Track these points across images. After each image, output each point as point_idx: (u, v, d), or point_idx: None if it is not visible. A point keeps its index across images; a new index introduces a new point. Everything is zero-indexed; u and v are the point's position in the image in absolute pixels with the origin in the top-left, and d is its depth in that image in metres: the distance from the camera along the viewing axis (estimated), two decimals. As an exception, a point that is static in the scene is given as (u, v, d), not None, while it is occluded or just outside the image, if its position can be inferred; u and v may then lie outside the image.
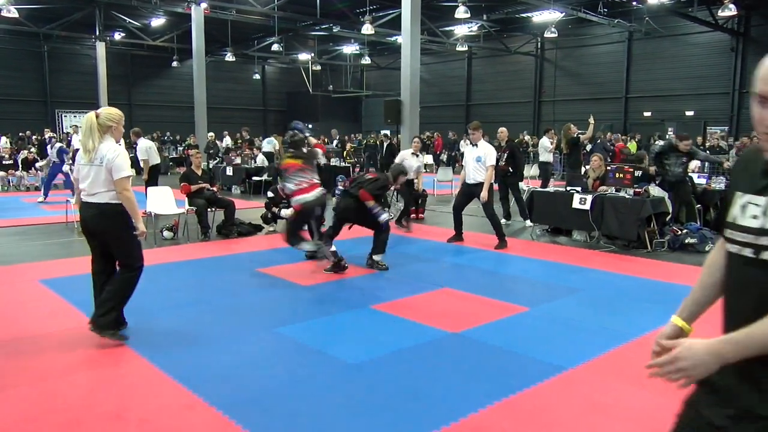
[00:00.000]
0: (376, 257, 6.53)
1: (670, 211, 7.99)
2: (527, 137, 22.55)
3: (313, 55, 29.34)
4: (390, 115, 12.27)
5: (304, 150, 6.37)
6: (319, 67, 30.43)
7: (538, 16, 21.88)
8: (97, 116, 4.10)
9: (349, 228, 6.89)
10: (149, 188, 8.76)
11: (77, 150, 5.09)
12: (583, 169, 10.67)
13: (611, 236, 7.88)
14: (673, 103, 22.86)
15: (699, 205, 8.66)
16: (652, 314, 4.86)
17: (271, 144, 17.01)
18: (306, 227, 6.62)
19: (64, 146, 13.70)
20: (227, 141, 20.49)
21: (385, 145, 16.08)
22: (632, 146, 18.27)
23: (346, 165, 16.41)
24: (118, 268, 4.26)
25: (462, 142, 21.21)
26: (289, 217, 6.59)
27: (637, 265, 6.81)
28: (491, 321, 4.75)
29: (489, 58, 29.04)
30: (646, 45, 23.40)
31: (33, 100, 27.61)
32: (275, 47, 24.99)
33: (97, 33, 23.69)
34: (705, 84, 22.00)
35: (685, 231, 7.77)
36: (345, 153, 20.11)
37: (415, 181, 9.83)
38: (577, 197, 7.96)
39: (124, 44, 26.98)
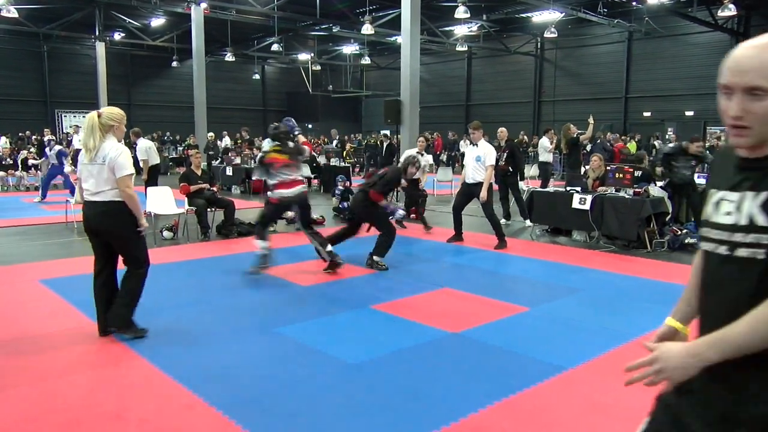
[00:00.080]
0: (376, 258, 6.53)
1: (670, 211, 8.00)
2: (524, 137, 22.55)
3: (312, 55, 29.35)
4: (390, 115, 12.27)
5: (290, 144, 6.29)
6: (318, 67, 30.44)
7: (538, 16, 21.88)
8: (99, 116, 4.14)
9: (368, 230, 6.89)
10: (149, 188, 8.75)
11: (78, 150, 5.11)
12: (582, 169, 10.68)
13: (611, 236, 7.88)
14: (672, 103, 22.87)
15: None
16: (652, 314, 4.86)
17: (271, 144, 16.98)
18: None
19: (64, 148, 13.69)
20: (226, 141, 20.48)
21: (384, 145, 16.11)
22: (632, 146, 18.26)
23: (346, 165, 16.42)
24: (125, 267, 4.29)
25: (462, 142, 21.22)
26: (264, 208, 6.54)
27: (637, 265, 6.81)
28: (491, 321, 4.75)
29: (489, 58, 29.05)
30: (646, 45, 23.41)
31: (33, 100, 27.60)
32: (275, 47, 25.00)
33: (97, 33, 23.68)
34: (705, 84, 21.98)
35: (685, 231, 7.78)
36: (345, 153, 20.13)
37: (421, 179, 9.80)
38: (576, 197, 7.96)
39: (123, 44, 26.97)
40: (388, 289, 5.72)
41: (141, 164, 10.39)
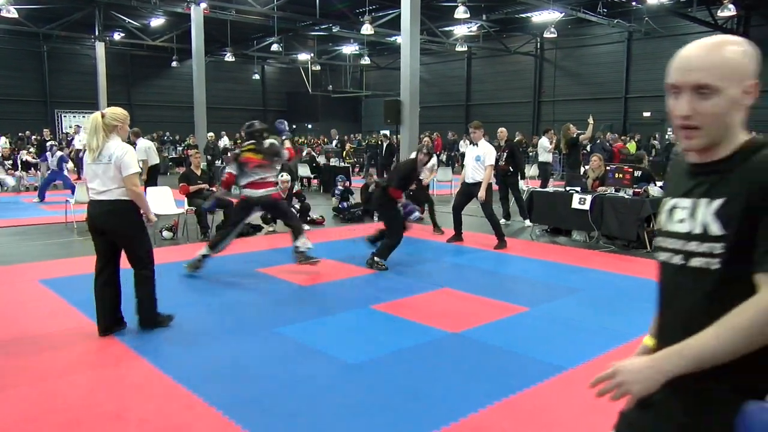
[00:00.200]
0: (377, 258, 6.52)
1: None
2: (521, 137, 22.52)
3: (312, 55, 29.34)
4: (390, 115, 12.25)
5: (265, 144, 6.11)
6: (318, 67, 30.44)
7: (538, 17, 21.88)
8: (102, 116, 4.20)
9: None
10: (148, 188, 8.75)
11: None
12: (582, 169, 10.68)
13: (611, 236, 7.89)
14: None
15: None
16: (652, 314, 4.85)
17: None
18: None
19: (65, 154, 13.67)
20: (225, 141, 20.48)
21: (384, 145, 16.11)
22: (631, 146, 18.26)
23: (346, 165, 16.42)
24: (131, 267, 4.34)
25: (462, 142, 21.22)
26: (234, 205, 6.46)
27: (637, 265, 6.81)
28: (491, 321, 4.75)
29: (489, 58, 29.04)
30: (646, 45, 23.39)
31: (32, 100, 27.59)
32: (275, 47, 24.98)
33: (97, 33, 23.67)
34: (704, 84, 21.98)
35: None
36: (345, 153, 20.12)
37: (427, 179, 9.77)
38: (576, 197, 7.96)
39: (123, 44, 26.97)
40: (388, 289, 5.72)
41: (140, 164, 10.35)
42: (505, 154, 9.58)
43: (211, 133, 18.87)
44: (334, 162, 16.69)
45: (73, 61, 28.48)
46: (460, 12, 16.75)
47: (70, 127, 23.68)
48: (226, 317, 4.84)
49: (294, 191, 9.60)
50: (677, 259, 1.29)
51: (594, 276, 6.34)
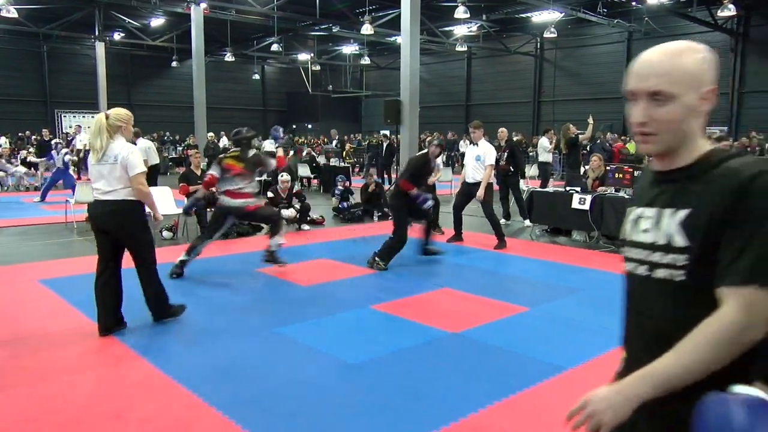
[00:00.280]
0: (378, 258, 6.51)
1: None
2: (519, 136, 22.53)
3: (312, 55, 29.35)
4: (390, 115, 12.25)
5: (249, 153, 6.04)
6: (318, 67, 30.44)
7: (538, 17, 21.89)
8: (106, 117, 4.23)
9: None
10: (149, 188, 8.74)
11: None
12: (582, 169, 10.68)
13: (611, 236, 7.88)
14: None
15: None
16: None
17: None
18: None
19: (69, 152, 13.67)
20: (225, 141, 20.48)
21: (384, 145, 16.11)
22: (631, 146, 18.23)
23: (346, 165, 16.42)
24: (135, 267, 4.37)
25: (462, 141, 21.22)
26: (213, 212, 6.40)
27: (636, 265, 6.79)
28: (491, 321, 4.75)
29: (489, 58, 29.05)
30: (646, 45, 22.36)
31: (32, 100, 27.60)
32: (275, 47, 24.99)
33: (97, 33, 23.67)
34: (704, 84, 21.99)
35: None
36: (344, 153, 20.13)
37: (432, 179, 9.72)
38: (576, 197, 7.96)
39: (123, 44, 26.98)
40: (388, 289, 5.72)
41: (141, 164, 10.36)
42: (505, 154, 9.58)
43: (211, 133, 18.88)
44: (334, 162, 16.69)
45: (73, 61, 28.49)
46: (460, 12, 16.76)
47: (70, 127, 23.66)
48: (226, 317, 4.84)
49: (294, 191, 9.59)
50: (642, 270, 1.28)
51: (594, 276, 6.34)
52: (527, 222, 9.29)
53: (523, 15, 22.48)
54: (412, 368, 3.78)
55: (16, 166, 15.56)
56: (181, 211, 8.41)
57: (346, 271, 6.43)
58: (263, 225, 8.91)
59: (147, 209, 4.41)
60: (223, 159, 6.08)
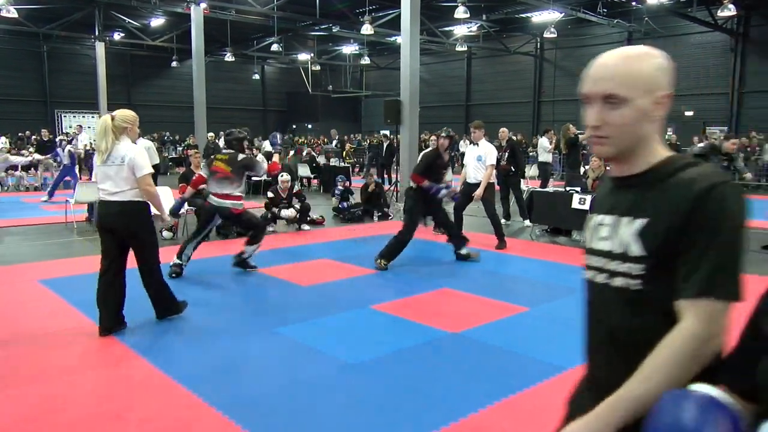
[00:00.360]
0: (382, 260, 6.49)
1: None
2: (518, 136, 22.54)
3: (312, 55, 29.35)
4: (390, 115, 12.25)
5: (239, 156, 6.01)
6: (318, 67, 30.44)
7: (538, 17, 21.88)
8: (112, 118, 4.24)
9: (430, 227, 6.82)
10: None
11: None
12: (582, 170, 10.67)
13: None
14: (672, 103, 22.82)
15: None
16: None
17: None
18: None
19: (74, 149, 13.66)
20: (223, 141, 20.49)
21: (384, 145, 16.11)
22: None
23: (346, 165, 16.43)
24: (138, 267, 4.39)
25: (462, 142, 21.22)
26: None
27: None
28: (491, 321, 4.75)
29: (489, 58, 29.04)
30: (646, 45, 23.38)
31: (32, 100, 27.60)
32: (275, 47, 24.99)
33: (97, 33, 23.67)
34: (704, 84, 22.00)
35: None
36: (344, 153, 20.13)
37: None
38: (576, 197, 7.96)
39: (123, 44, 26.97)
40: (388, 289, 5.72)
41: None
42: (506, 153, 9.58)
43: (211, 133, 18.88)
44: (334, 162, 16.70)
45: (73, 61, 28.49)
46: (460, 12, 16.76)
47: (70, 127, 23.67)
48: (226, 317, 4.84)
49: (294, 191, 9.60)
50: (601, 278, 1.27)
51: (594, 276, 6.32)
52: (527, 222, 9.29)
53: (523, 15, 22.47)
54: (412, 368, 3.78)
55: (29, 156, 15.42)
56: (181, 211, 8.42)
57: (346, 271, 6.43)
58: (274, 224, 8.92)
59: (153, 210, 4.42)
60: (214, 160, 6.11)
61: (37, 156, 15.26)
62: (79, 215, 9.31)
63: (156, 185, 9.26)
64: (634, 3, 19.97)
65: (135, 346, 4.08)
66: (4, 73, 26.24)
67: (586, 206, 7.79)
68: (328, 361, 3.89)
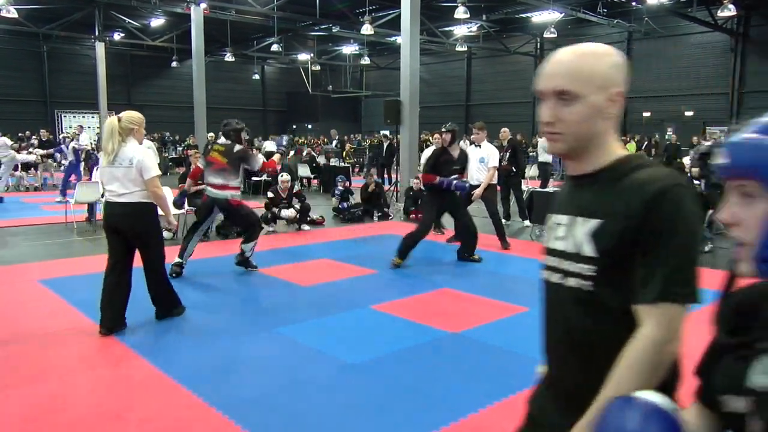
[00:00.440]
0: (397, 258, 6.50)
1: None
2: (518, 137, 22.54)
3: (312, 55, 29.35)
4: (390, 115, 12.25)
5: (235, 149, 5.97)
6: (318, 67, 30.44)
7: (538, 17, 21.89)
8: (119, 120, 4.25)
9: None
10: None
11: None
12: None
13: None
14: (672, 103, 22.87)
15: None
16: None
17: (274, 146, 16.99)
18: None
19: (77, 146, 13.64)
20: (223, 141, 20.48)
21: (385, 145, 16.11)
22: (631, 146, 18.27)
23: (346, 165, 16.42)
24: (143, 268, 4.41)
25: (462, 142, 21.24)
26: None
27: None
28: (491, 321, 4.75)
29: (488, 58, 29.05)
30: (646, 45, 23.41)
31: (32, 100, 27.61)
32: (275, 47, 25.00)
33: (97, 33, 23.68)
34: (704, 84, 22.01)
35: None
36: (344, 153, 20.13)
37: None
38: (576, 197, 7.94)
39: (123, 44, 26.98)
40: (388, 289, 5.72)
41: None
42: (507, 154, 9.57)
43: (211, 133, 18.87)
44: (334, 162, 16.69)
45: (73, 61, 28.50)
46: (460, 12, 16.77)
47: (70, 127, 23.66)
48: (226, 317, 4.84)
49: (294, 191, 9.59)
50: (556, 278, 1.27)
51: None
52: (527, 222, 9.29)
53: (523, 15, 22.48)
54: (412, 368, 3.78)
55: (34, 150, 15.38)
56: (181, 211, 8.42)
57: (346, 271, 6.43)
58: (263, 226, 8.93)
59: (159, 211, 4.42)
60: (210, 151, 6.09)
61: (39, 151, 15.24)
62: (79, 215, 9.30)
63: (157, 185, 9.36)
64: (634, 3, 19.97)
65: (135, 346, 4.08)
66: (4, 73, 26.25)
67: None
68: (328, 361, 3.89)
